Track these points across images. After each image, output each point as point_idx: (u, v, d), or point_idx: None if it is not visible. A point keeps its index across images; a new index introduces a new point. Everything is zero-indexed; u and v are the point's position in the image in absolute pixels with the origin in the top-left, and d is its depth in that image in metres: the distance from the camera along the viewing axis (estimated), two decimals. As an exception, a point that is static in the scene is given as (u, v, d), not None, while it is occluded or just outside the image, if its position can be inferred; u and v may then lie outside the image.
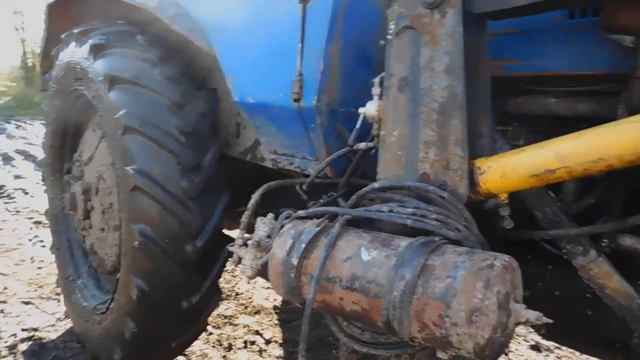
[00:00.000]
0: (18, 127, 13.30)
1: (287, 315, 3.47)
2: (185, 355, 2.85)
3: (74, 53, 2.51)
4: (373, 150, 1.54)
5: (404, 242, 1.23)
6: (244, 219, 1.79)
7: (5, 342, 2.97)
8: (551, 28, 1.37)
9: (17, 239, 4.88)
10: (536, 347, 3.16)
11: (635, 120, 1.04)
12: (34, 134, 12.28)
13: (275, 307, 3.60)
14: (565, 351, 3.09)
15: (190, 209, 2.04)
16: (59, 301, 3.47)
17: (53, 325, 3.21)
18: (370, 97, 1.49)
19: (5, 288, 3.71)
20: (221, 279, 2.29)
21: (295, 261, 1.35)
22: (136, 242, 2.03)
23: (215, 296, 2.31)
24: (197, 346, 2.90)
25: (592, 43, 1.32)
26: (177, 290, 2.13)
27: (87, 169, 2.68)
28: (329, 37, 1.57)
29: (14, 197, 6.45)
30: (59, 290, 3.29)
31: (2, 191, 6.73)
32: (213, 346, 3.02)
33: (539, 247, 1.55)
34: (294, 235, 1.40)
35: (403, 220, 1.27)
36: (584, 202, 1.45)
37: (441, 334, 1.09)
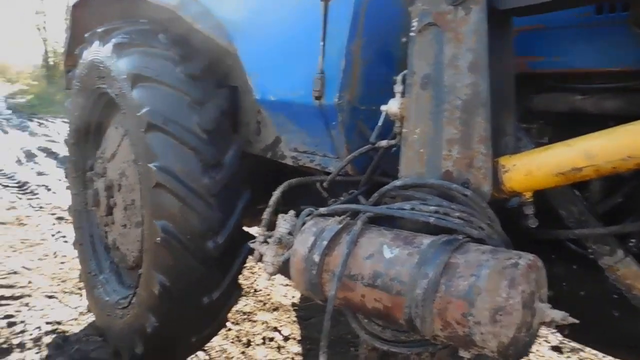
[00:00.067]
0: (40, 124, 13.56)
1: (305, 312, 3.48)
2: (204, 350, 2.88)
3: (97, 52, 2.55)
4: (394, 148, 1.53)
5: (426, 240, 1.23)
6: (265, 216, 1.80)
7: (30, 334, 3.04)
8: (578, 24, 1.35)
9: (41, 235, 4.98)
10: (557, 349, 3.12)
11: (666, 117, 1.02)
12: (55, 132, 12.50)
13: (293, 304, 3.62)
14: (588, 353, 3.05)
15: (211, 206, 2.06)
16: (81, 295, 3.53)
17: (76, 319, 3.28)
18: (392, 95, 1.49)
19: (30, 282, 3.80)
20: (240, 276, 2.31)
21: (317, 258, 1.36)
22: (158, 238, 2.06)
23: (235, 292, 2.33)
24: (216, 342, 2.93)
25: (620, 39, 1.30)
26: (198, 286, 2.16)
27: (110, 166, 2.72)
28: (350, 34, 1.57)
29: (37, 194, 6.58)
30: (81, 284, 3.35)
31: (25, 188, 6.87)
32: (232, 342, 3.05)
33: (563, 247, 1.53)
34: (315, 233, 1.41)
35: (425, 218, 1.27)
36: (611, 201, 1.43)
37: (464, 333, 1.09)
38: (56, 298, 3.58)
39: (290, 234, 1.61)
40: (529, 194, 1.23)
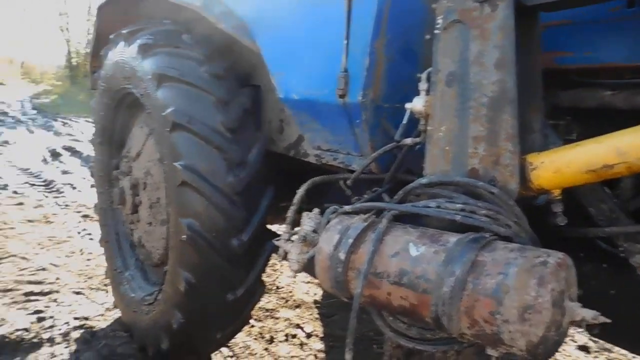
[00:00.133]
0: (64, 124, 13.83)
1: (327, 309, 3.50)
2: (228, 346, 2.91)
3: (122, 53, 2.60)
4: (418, 146, 1.53)
5: (453, 238, 1.22)
6: (290, 214, 1.81)
7: (59, 329, 3.11)
8: (608, 18, 1.33)
9: (67, 232, 5.08)
10: (585, 348, 3.08)
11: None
12: (79, 131, 12.74)
13: (315, 302, 3.64)
14: (617, 353, 3.00)
15: (236, 204, 2.09)
16: (107, 292, 3.60)
17: (102, 315, 3.34)
18: (416, 92, 1.48)
19: (58, 278, 3.89)
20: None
21: (342, 256, 1.37)
22: (184, 236, 2.09)
23: (259, 289, 2.36)
24: (239, 338, 2.97)
25: (652, 33, 1.27)
26: (223, 283, 2.19)
27: (135, 164, 2.77)
28: (374, 32, 1.57)
29: (62, 192, 6.72)
30: (107, 281, 3.42)
31: (51, 186, 7.02)
32: (255, 339, 3.08)
33: (592, 245, 1.51)
34: (341, 230, 1.42)
35: (452, 216, 1.27)
36: (642, 198, 1.40)
37: (492, 331, 1.08)
38: (83, 294, 3.65)
39: (314, 231, 1.62)
40: (557, 192, 1.22)
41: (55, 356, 2.80)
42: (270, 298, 3.64)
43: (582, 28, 1.38)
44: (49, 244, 4.68)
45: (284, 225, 1.91)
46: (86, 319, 3.27)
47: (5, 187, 6.59)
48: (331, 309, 3.48)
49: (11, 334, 2.94)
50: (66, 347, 2.92)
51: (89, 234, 4.96)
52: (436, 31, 1.39)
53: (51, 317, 3.24)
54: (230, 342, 2.81)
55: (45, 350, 2.87)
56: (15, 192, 6.37)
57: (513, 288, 1.05)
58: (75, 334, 3.07)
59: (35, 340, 2.95)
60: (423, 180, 1.38)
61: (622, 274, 1.43)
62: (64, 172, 8.00)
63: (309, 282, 3.88)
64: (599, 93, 1.40)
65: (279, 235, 1.98)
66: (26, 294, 3.51)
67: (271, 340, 3.06)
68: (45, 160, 8.86)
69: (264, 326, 3.24)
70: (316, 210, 1.66)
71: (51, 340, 2.97)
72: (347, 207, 1.52)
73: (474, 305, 1.11)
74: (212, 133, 2.09)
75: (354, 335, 1.33)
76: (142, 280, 2.93)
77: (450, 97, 1.35)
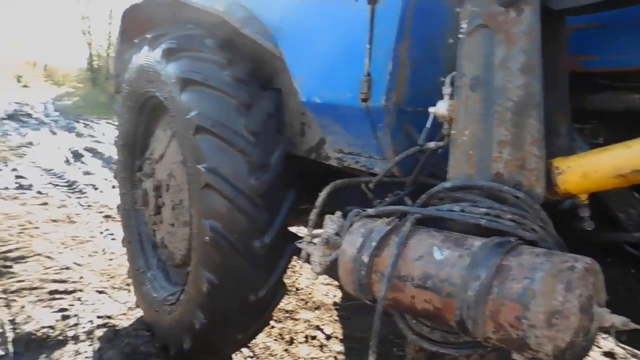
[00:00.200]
0: (86, 125, 14.06)
1: (346, 311, 3.51)
2: (249, 347, 2.94)
3: (147, 57, 2.64)
4: (440, 149, 1.53)
5: (477, 242, 1.23)
6: (312, 216, 1.83)
7: (83, 327, 3.18)
8: (636, 21, 1.31)
9: (90, 232, 5.18)
10: (611, 354, 3.03)
11: None
12: (100, 132, 12.95)
13: (334, 303, 3.65)
14: (644, 359, 2.95)
15: (258, 206, 2.11)
16: (129, 291, 3.66)
17: (125, 314, 3.40)
18: (440, 96, 1.49)
19: (81, 277, 3.96)
20: (283, 275, 2.35)
21: (366, 259, 1.38)
22: (207, 238, 2.12)
23: (280, 291, 2.38)
24: (260, 339, 2.99)
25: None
26: (245, 284, 2.21)
27: (158, 166, 2.82)
28: (398, 36, 1.58)
29: (85, 192, 6.84)
30: (129, 281, 3.48)
31: (74, 187, 7.15)
32: (275, 340, 3.10)
33: (620, 250, 1.49)
34: (364, 234, 1.43)
35: (476, 220, 1.27)
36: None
37: (518, 336, 1.08)
38: (106, 293, 3.72)
39: (337, 234, 1.63)
40: (584, 196, 1.21)
41: (79, 354, 2.86)
42: (289, 299, 3.66)
43: (610, 31, 1.37)
44: (72, 243, 4.77)
45: (305, 228, 1.92)
46: (109, 317, 3.33)
47: (30, 187, 6.74)
48: (350, 311, 3.49)
49: (37, 331, 3.01)
50: (90, 345, 2.98)
51: (111, 234, 5.05)
52: (460, 35, 1.39)
53: (75, 315, 3.30)
54: (250, 342, 2.83)
55: (70, 347, 2.93)
56: (39, 192, 6.50)
57: (540, 293, 1.05)
58: (99, 332, 3.13)
59: (60, 337, 3.01)
60: (447, 184, 1.38)
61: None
62: (86, 173, 8.14)
63: (328, 284, 3.89)
64: (626, 96, 1.39)
65: (300, 238, 2.00)
66: (51, 292, 3.59)
67: (291, 342, 3.08)
68: (67, 161, 9.03)
69: (283, 327, 3.26)
70: (338, 213, 1.67)
71: (75, 338, 3.03)
72: (370, 210, 1.53)
73: (499, 310, 1.11)
74: (235, 136, 2.12)
75: (377, 337, 1.34)
76: (164, 280, 2.97)
77: (475, 101, 1.36)
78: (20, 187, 6.69)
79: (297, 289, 3.85)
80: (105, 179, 7.54)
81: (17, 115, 14.49)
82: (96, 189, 7.06)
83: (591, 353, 3.02)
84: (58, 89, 24.82)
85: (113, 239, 4.88)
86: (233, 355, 2.84)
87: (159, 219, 2.85)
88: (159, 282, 2.97)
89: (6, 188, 6.53)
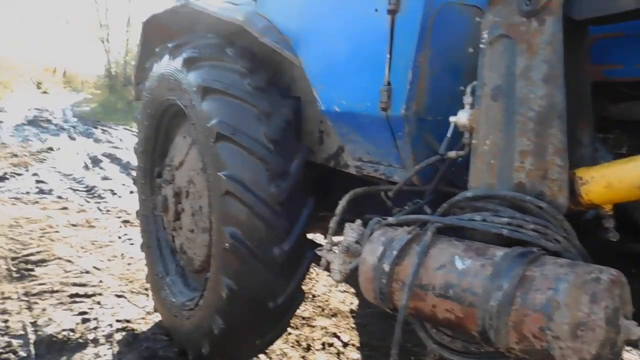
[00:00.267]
0: (104, 131, 14.27)
1: (363, 319, 3.50)
2: (266, 353, 2.95)
3: (167, 65, 2.68)
4: (460, 159, 1.54)
5: (499, 251, 1.23)
6: (332, 224, 1.84)
7: (103, 331, 3.22)
8: (660, 32, 1.31)
9: (109, 237, 5.25)
10: (634, 367, 2.98)
11: None
12: (118, 138, 13.13)
13: (351, 311, 3.65)
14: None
15: (277, 214, 2.13)
16: (147, 296, 3.70)
17: (143, 318, 3.44)
18: (460, 106, 1.50)
19: (101, 281, 4.02)
20: (301, 281, 2.36)
21: (387, 267, 1.39)
22: (227, 244, 2.15)
23: (298, 298, 2.39)
24: (277, 345, 3.00)
25: None
26: (264, 291, 2.23)
27: (178, 173, 2.85)
28: (418, 46, 1.59)
29: (104, 197, 6.95)
30: (147, 285, 3.52)
31: (93, 192, 7.26)
32: (292, 346, 3.11)
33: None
34: (384, 242, 1.44)
35: (498, 230, 1.27)
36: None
37: (542, 347, 1.08)
38: (125, 297, 3.77)
39: (357, 242, 1.65)
40: (609, 207, 1.21)
41: (99, 356, 2.90)
42: (306, 306, 3.66)
43: (633, 40, 1.37)
44: (91, 247, 4.85)
45: (322, 235, 1.94)
46: (128, 321, 3.37)
47: (50, 191, 6.86)
48: (367, 319, 3.48)
49: (58, 333, 3.06)
50: (109, 349, 3.01)
51: (130, 239, 5.11)
52: (482, 45, 1.40)
53: (95, 318, 3.35)
54: (268, 349, 2.85)
55: (90, 350, 2.97)
56: (59, 197, 6.62)
57: (564, 304, 1.04)
58: (118, 336, 3.17)
59: (80, 340, 3.06)
60: (468, 194, 1.38)
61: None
62: (104, 178, 8.26)
63: (344, 291, 3.89)
64: (650, 106, 1.38)
65: (318, 245, 2.01)
66: (71, 296, 3.65)
67: (308, 348, 3.09)
68: (86, 167, 9.17)
69: (300, 334, 3.27)
70: (358, 222, 1.68)
71: (95, 341, 3.07)
72: (390, 219, 1.54)
73: (522, 320, 1.11)
74: (255, 144, 2.14)
75: (398, 346, 1.34)
76: (182, 285, 3.00)
77: (496, 111, 1.36)
78: (41, 191, 6.82)
79: (314, 296, 3.85)
80: (123, 185, 7.64)
81: (37, 121, 14.76)
82: (114, 194, 7.16)
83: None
84: (77, 95, 25.23)
85: (131, 244, 4.94)
86: (250, 361, 2.86)
87: (178, 225, 2.88)
88: (178, 287, 3.00)
89: (27, 192, 6.66)
